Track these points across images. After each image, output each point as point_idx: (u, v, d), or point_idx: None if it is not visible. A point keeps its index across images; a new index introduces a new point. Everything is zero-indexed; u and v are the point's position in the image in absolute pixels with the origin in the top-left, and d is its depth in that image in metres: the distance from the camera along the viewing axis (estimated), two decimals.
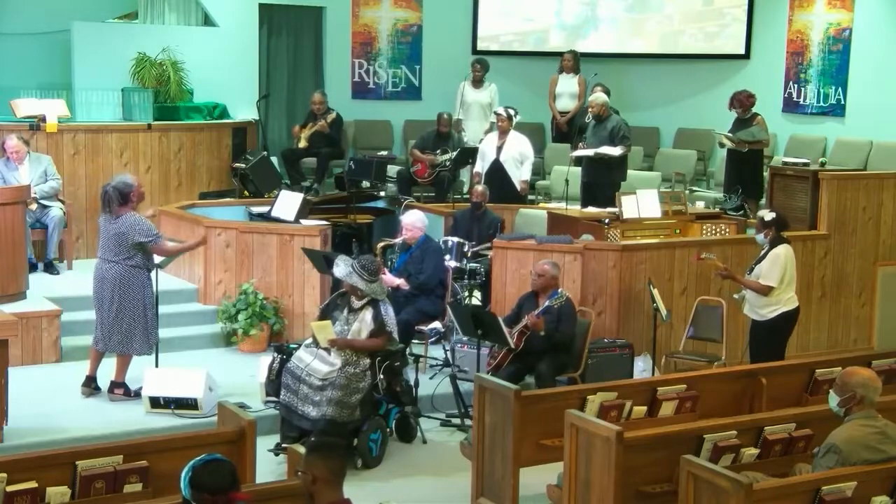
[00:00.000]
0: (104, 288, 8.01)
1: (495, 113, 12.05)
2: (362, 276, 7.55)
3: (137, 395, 8.09)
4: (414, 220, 9.39)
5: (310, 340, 7.67)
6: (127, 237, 7.88)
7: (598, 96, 11.60)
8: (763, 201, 11.14)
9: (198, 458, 4.41)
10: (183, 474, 4.36)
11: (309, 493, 4.50)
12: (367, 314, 7.57)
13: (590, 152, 11.24)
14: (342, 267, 7.65)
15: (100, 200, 8.12)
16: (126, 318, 7.96)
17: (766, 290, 8.26)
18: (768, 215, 8.50)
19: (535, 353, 8.10)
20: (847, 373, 5.68)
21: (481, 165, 11.81)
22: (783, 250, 8.31)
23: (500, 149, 11.67)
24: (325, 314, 7.77)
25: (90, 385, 8.22)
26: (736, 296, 8.73)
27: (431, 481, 7.39)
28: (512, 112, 11.83)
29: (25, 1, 13.03)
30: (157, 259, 8.31)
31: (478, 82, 13.37)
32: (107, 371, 8.26)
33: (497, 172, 11.59)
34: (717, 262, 8.80)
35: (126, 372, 8.15)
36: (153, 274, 8.25)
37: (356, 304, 7.63)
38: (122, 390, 8.13)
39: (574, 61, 13.62)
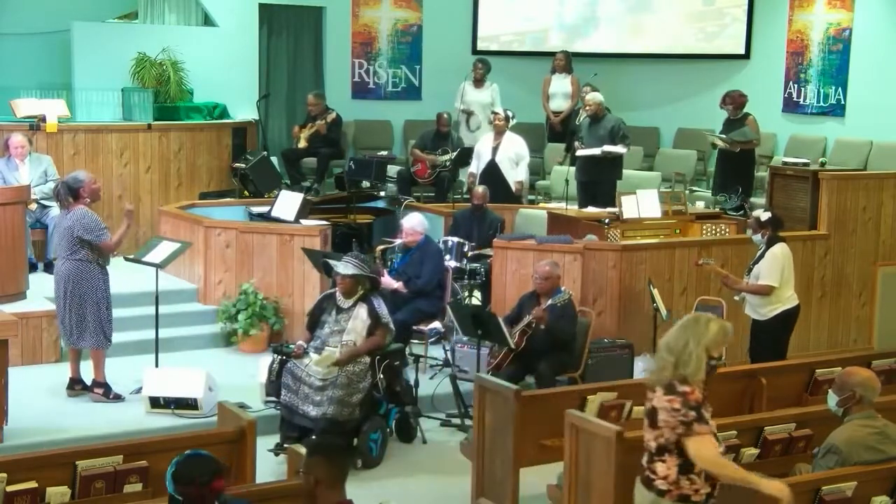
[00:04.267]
0: (59, 285, 8.00)
1: (493, 112, 12.06)
2: (363, 269, 7.62)
3: (118, 397, 8.08)
4: (414, 225, 9.35)
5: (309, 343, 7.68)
6: (72, 231, 7.83)
7: (595, 95, 11.61)
8: (763, 200, 11.15)
9: (177, 457, 4.44)
10: (167, 474, 4.40)
11: (311, 494, 4.50)
12: (362, 310, 7.57)
13: (596, 151, 11.23)
14: (343, 265, 7.66)
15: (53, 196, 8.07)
16: (76, 312, 7.90)
17: (767, 291, 8.30)
18: (764, 215, 8.55)
19: (535, 353, 8.10)
20: (846, 373, 5.68)
21: (476, 166, 11.83)
22: (780, 249, 8.36)
23: (495, 149, 11.69)
24: (314, 318, 7.76)
25: (74, 387, 8.19)
26: (737, 297, 8.74)
27: (431, 481, 7.39)
28: (510, 113, 11.86)
29: (25, 1, 13.02)
30: (158, 259, 8.30)
31: (479, 82, 13.38)
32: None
33: (492, 173, 11.60)
34: (716, 268, 8.83)
35: (103, 369, 8.09)
36: (156, 272, 8.23)
37: (346, 303, 7.62)
38: (101, 390, 8.08)
39: (566, 61, 13.62)
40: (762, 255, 8.39)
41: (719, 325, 4.94)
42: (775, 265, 8.29)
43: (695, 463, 4.84)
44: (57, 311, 8.14)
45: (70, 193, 7.89)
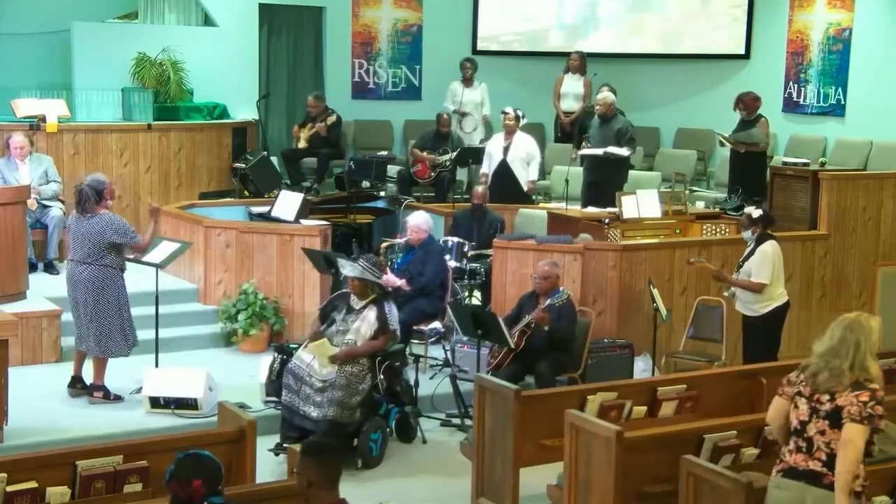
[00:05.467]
0: (77, 291, 7.92)
1: (503, 112, 11.98)
2: (373, 273, 7.61)
3: (118, 398, 8.07)
4: (420, 223, 9.31)
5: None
6: (102, 236, 7.77)
7: (607, 95, 11.56)
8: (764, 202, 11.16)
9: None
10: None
11: (304, 495, 4.51)
12: (371, 313, 7.57)
13: (599, 151, 11.22)
14: (350, 267, 7.66)
15: (74, 200, 8.02)
16: (101, 320, 7.86)
17: (758, 288, 8.33)
18: (755, 212, 8.60)
19: (535, 352, 8.10)
20: None
21: (488, 166, 11.81)
22: (770, 247, 8.40)
23: (506, 149, 11.67)
24: (324, 315, 7.77)
25: (76, 385, 8.17)
26: (726, 293, 8.78)
27: (431, 481, 7.39)
28: (520, 113, 11.82)
29: (25, 1, 13.03)
30: (158, 259, 8.31)
31: (468, 80, 13.39)
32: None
33: (504, 173, 11.58)
34: (707, 265, 8.85)
35: (104, 373, 8.08)
36: (156, 272, 8.23)
37: (357, 304, 7.63)
38: (101, 393, 8.06)
39: (581, 62, 13.55)
40: (752, 253, 8.43)
41: (876, 321, 4.97)
42: (766, 262, 8.33)
43: (844, 447, 4.77)
44: (75, 317, 8.04)
45: (96, 196, 7.83)
